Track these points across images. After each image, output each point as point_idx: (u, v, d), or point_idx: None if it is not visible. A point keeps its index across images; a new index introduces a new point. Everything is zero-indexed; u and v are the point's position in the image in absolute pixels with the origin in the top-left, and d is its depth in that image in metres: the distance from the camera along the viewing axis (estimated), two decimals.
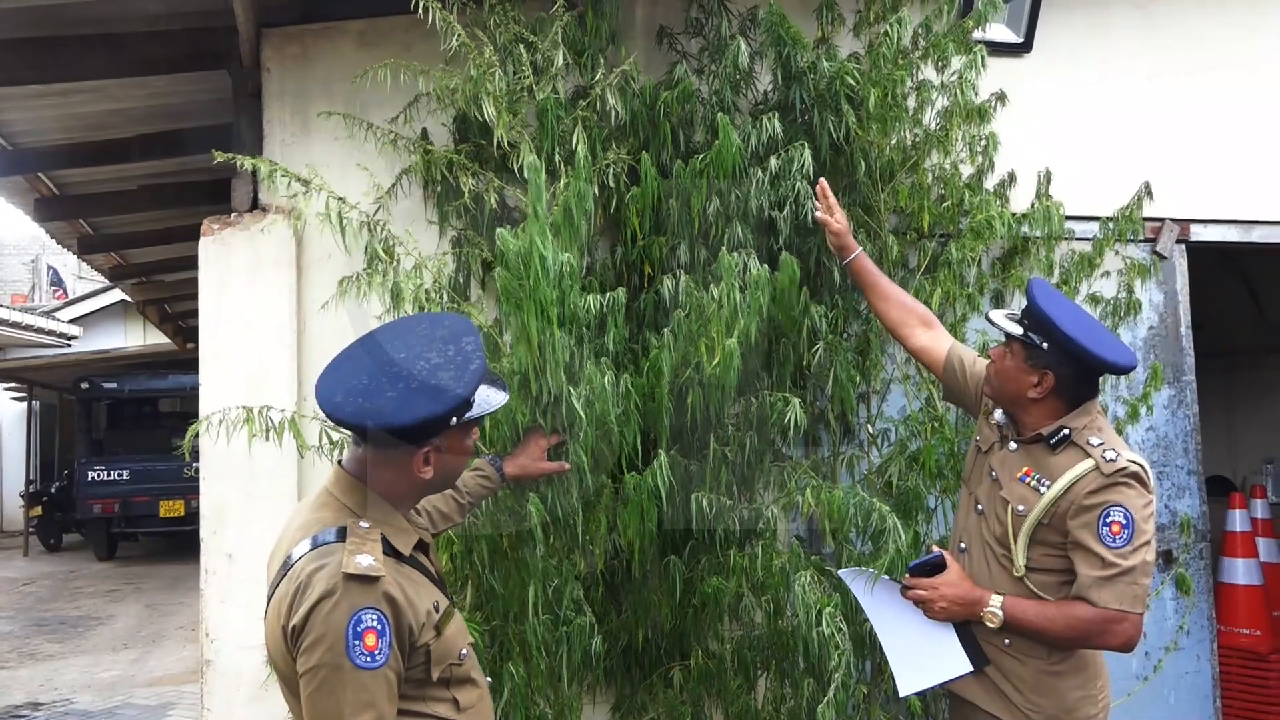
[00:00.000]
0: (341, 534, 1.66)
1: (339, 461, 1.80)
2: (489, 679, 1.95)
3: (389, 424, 1.65)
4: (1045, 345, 2.27)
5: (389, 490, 1.76)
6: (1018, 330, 2.32)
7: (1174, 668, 3.71)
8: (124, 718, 6.19)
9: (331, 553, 1.63)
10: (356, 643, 1.57)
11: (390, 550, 1.70)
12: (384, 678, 1.60)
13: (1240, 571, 4.67)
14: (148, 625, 8.95)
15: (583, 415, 2.34)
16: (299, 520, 1.75)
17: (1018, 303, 3.50)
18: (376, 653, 1.58)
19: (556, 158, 2.73)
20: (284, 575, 1.67)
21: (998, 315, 2.41)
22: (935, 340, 2.70)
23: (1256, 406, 7.02)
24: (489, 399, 1.84)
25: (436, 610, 1.73)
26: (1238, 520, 4.78)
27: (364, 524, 1.69)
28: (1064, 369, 2.28)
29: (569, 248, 2.46)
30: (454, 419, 1.72)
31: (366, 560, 1.61)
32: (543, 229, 2.28)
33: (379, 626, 1.59)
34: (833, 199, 2.74)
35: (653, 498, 2.43)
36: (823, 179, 2.75)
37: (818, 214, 2.72)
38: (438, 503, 2.20)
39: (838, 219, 2.72)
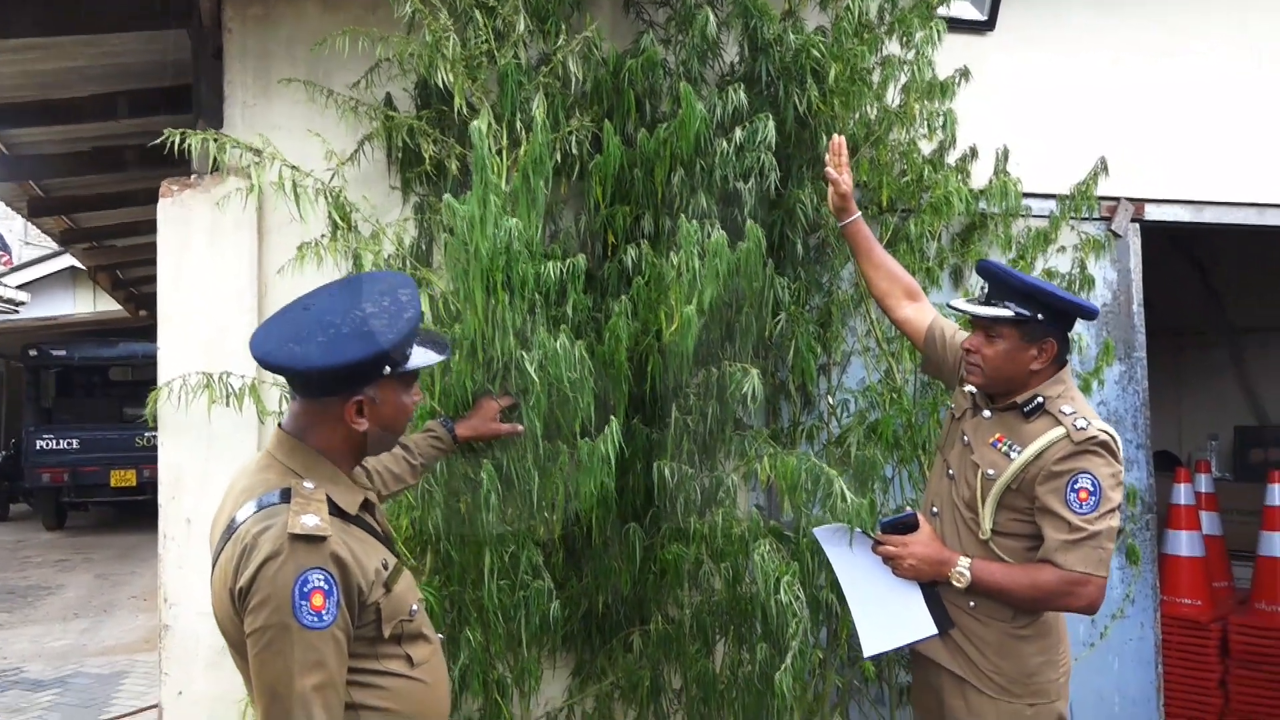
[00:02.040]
0: (286, 495, 1.65)
1: (279, 424, 1.80)
2: (441, 636, 1.96)
3: (315, 366, 1.65)
4: (1040, 316, 2.32)
5: (328, 447, 1.75)
6: (1007, 313, 2.34)
7: (1119, 635, 3.82)
8: (76, 686, 6.13)
9: (277, 514, 1.62)
10: (303, 603, 1.56)
11: (336, 510, 1.70)
12: (332, 637, 1.60)
13: (1184, 544, 4.80)
14: (99, 595, 8.84)
15: (535, 379, 2.35)
16: (242, 484, 1.74)
17: (975, 279, 3.56)
18: (324, 613, 1.58)
19: (518, 124, 2.71)
20: (228, 539, 1.65)
21: (970, 306, 2.42)
22: (919, 312, 2.74)
23: (1204, 385, 7.20)
24: (428, 356, 1.83)
25: (385, 568, 1.73)
26: (1182, 494, 4.90)
27: (308, 484, 1.68)
28: (1059, 332, 2.36)
29: (527, 214, 2.46)
30: (386, 368, 1.72)
31: (312, 520, 1.61)
32: (486, 194, 2.28)
33: (326, 586, 1.59)
34: (845, 157, 2.73)
35: (604, 463, 2.45)
36: (840, 136, 2.75)
37: (828, 170, 2.71)
38: (389, 464, 2.21)
39: (846, 179, 2.71)
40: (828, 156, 2.73)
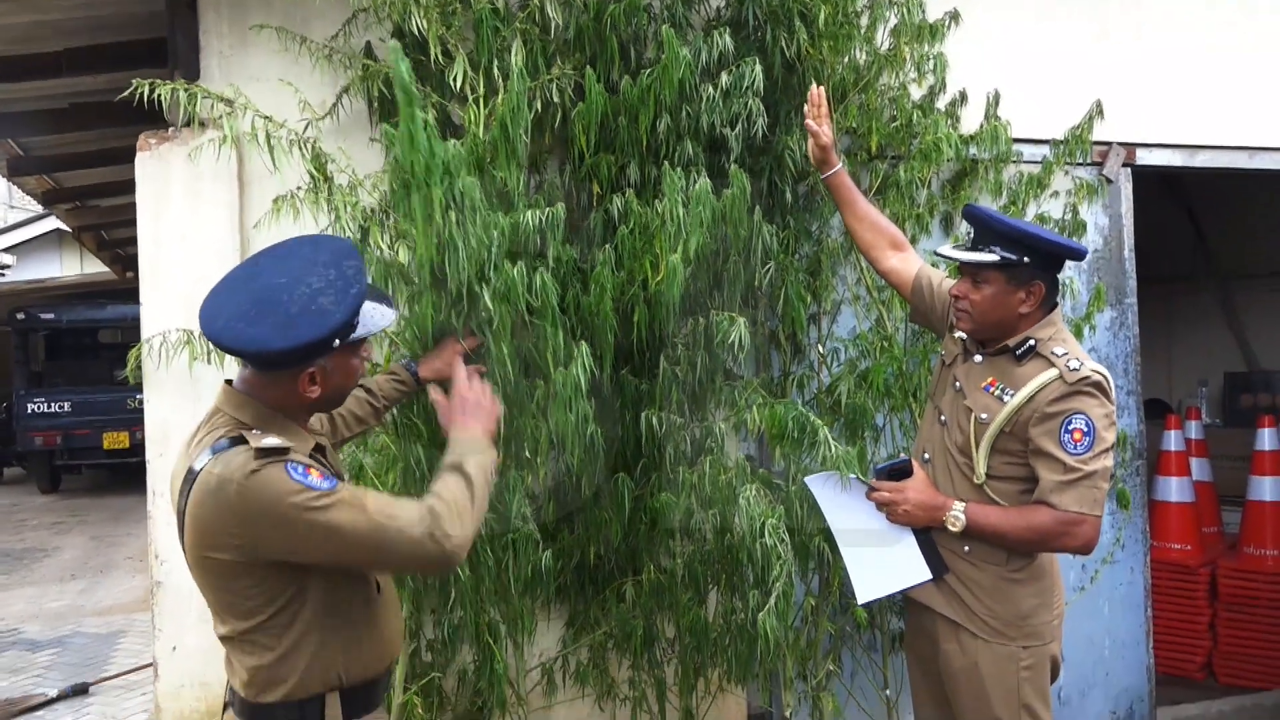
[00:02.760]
0: (238, 440, 1.69)
1: (228, 381, 1.82)
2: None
3: (270, 349, 1.68)
4: (1027, 259, 2.30)
5: (280, 405, 1.79)
6: (992, 258, 2.32)
7: (1109, 580, 3.84)
8: (74, 646, 6.16)
9: (236, 453, 1.66)
10: (306, 478, 1.63)
11: None
12: (346, 485, 1.68)
13: (1174, 490, 4.83)
14: (95, 556, 8.86)
15: (490, 306, 2.31)
16: (196, 439, 1.78)
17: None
18: (325, 480, 1.65)
19: (495, 72, 2.65)
20: (190, 485, 1.68)
21: (955, 253, 2.40)
22: (905, 262, 2.72)
23: (1194, 332, 7.21)
24: (374, 318, 1.86)
25: None
26: (1173, 441, 4.93)
27: (257, 432, 1.72)
28: (1047, 275, 2.34)
29: (506, 165, 2.42)
30: (336, 341, 1.74)
31: (271, 440, 1.66)
32: (412, 110, 2.23)
33: (314, 466, 1.67)
34: (825, 108, 2.70)
35: (577, 389, 2.42)
36: (820, 87, 2.72)
37: (808, 122, 2.69)
38: (353, 407, 2.25)
39: (826, 131, 2.69)
40: (807, 108, 2.71)
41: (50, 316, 12.26)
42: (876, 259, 2.75)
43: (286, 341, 1.67)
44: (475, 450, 1.93)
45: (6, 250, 13.18)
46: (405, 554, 1.71)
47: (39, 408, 11.91)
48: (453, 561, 1.76)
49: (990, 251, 2.33)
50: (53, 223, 12.21)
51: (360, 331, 1.81)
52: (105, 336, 13.27)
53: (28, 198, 8.13)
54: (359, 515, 1.65)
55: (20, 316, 12.14)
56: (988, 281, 2.35)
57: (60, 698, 5.14)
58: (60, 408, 11.95)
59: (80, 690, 5.24)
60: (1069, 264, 3.51)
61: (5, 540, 9.88)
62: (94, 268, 12.06)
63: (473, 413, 2.02)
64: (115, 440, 11.88)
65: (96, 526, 10.38)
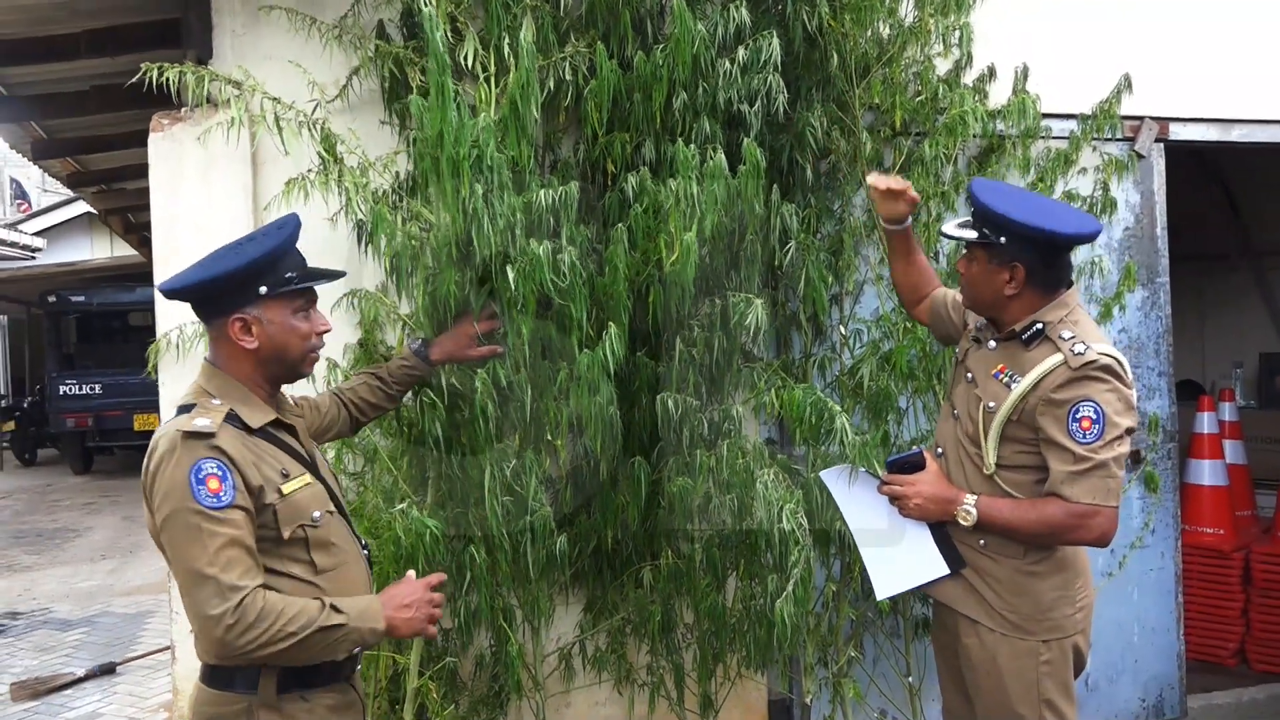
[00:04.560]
0: (190, 408, 1.84)
1: (205, 355, 1.97)
2: (367, 551, 2.06)
3: (189, 283, 1.85)
4: (1004, 240, 2.23)
5: (234, 370, 1.91)
6: (973, 235, 2.28)
7: (1139, 565, 3.77)
8: (102, 626, 6.22)
9: (178, 423, 1.79)
10: (200, 488, 1.72)
11: (241, 425, 1.85)
12: (237, 512, 1.74)
13: (1206, 473, 4.73)
14: (125, 537, 8.96)
15: (511, 285, 2.29)
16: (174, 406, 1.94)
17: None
18: (221, 494, 1.73)
19: (505, 50, 2.60)
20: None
21: (949, 227, 2.37)
22: (928, 299, 2.69)
23: (1228, 312, 7.06)
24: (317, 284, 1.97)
25: (286, 477, 1.87)
26: (1206, 423, 4.83)
27: (215, 401, 1.85)
28: (1029, 257, 2.23)
29: (516, 143, 2.38)
30: (262, 288, 1.86)
31: (202, 421, 1.77)
32: (443, 79, 2.19)
33: (219, 473, 1.74)
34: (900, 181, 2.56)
35: (604, 372, 2.38)
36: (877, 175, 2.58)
37: (890, 183, 2.51)
38: (363, 393, 2.37)
39: (909, 194, 2.53)
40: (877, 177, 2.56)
41: (81, 299, 12.39)
42: (912, 303, 2.74)
43: (203, 274, 1.84)
44: (364, 620, 1.83)
45: (37, 234, 13.29)
46: (198, 614, 1.70)
47: (71, 390, 12.06)
48: (222, 656, 1.72)
49: (973, 228, 2.28)
50: (82, 206, 12.28)
51: (295, 285, 1.90)
52: (135, 319, 13.39)
53: (58, 181, 8.18)
54: (197, 552, 1.69)
55: (51, 299, 12.27)
56: (975, 259, 2.31)
57: (88, 677, 5.20)
58: (92, 390, 12.10)
59: (108, 670, 5.29)
60: (1100, 242, 3.43)
61: (39, 520, 10.02)
62: (123, 250, 12.13)
63: (401, 606, 1.91)
64: (146, 422, 11.99)
65: (127, 507, 10.50)
